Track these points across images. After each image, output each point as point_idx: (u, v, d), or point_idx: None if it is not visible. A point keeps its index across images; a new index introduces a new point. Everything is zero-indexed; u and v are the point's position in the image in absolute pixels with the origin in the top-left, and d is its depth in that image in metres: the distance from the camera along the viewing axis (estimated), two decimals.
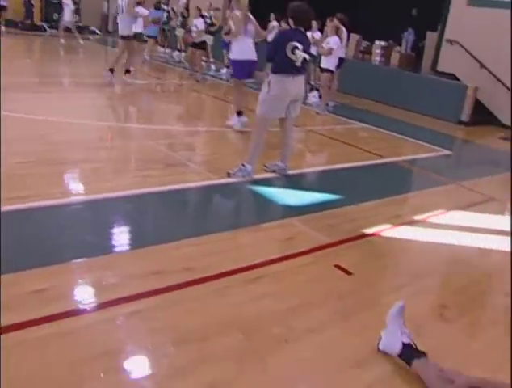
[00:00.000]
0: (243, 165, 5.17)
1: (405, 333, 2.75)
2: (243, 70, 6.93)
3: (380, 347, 2.80)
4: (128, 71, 10.16)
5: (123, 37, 9.96)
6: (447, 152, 8.21)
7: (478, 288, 3.81)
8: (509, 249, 4.50)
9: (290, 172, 5.58)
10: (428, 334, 3.07)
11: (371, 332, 2.93)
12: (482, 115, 10.94)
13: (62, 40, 16.73)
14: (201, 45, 12.30)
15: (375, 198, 5.21)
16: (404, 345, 2.70)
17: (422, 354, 2.66)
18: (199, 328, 2.82)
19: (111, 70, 9.80)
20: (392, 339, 2.75)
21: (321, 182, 6.04)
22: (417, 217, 4.90)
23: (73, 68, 12.69)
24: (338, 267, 3.67)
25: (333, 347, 2.82)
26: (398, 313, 2.81)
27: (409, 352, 2.68)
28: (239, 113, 7.19)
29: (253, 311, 3.05)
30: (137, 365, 2.54)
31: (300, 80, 5.23)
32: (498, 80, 10.70)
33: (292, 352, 2.75)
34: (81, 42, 17.30)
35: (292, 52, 5.01)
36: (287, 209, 4.72)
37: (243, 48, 6.83)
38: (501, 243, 4.61)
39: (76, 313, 2.83)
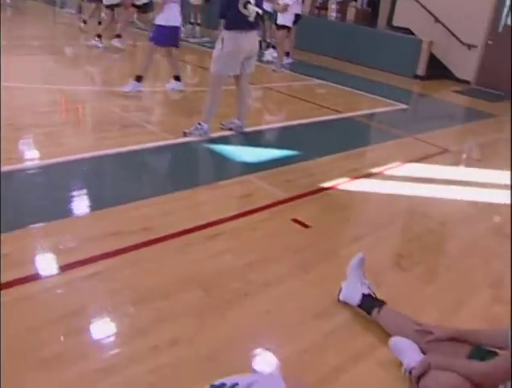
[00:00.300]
0: (199, 124, 5.12)
1: (365, 284, 2.80)
2: (166, 37, 6.62)
3: (341, 298, 2.84)
4: (118, 36, 9.85)
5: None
6: (404, 106, 8.28)
7: (432, 236, 3.90)
8: (461, 197, 4.63)
9: (247, 130, 5.56)
10: (386, 282, 3.13)
11: (331, 284, 2.97)
12: (437, 70, 11.05)
13: (8, 0, 16.07)
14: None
15: (333, 153, 5.24)
16: (364, 296, 2.75)
17: (382, 303, 2.72)
18: (158, 287, 2.82)
19: (99, 36, 9.66)
20: (353, 290, 2.80)
21: (279, 138, 6.04)
22: (373, 170, 4.96)
23: (22, 30, 12.23)
24: (296, 221, 3.70)
25: (292, 300, 2.86)
26: (358, 264, 2.85)
27: (369, 302, 2.74)
28: (176, 78, 7.02)
29: (213, 267, 3.06)
30: (98, 326, 2.53)
31: (254, 36, 5.15)
32: (452, 34, 10.78)
33: (252, 305, 2.78)
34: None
35: (245, 7, 4.91)
36: (245, 166, 4.71)
37: (169, 15, 6.53)
38: (454, 193, 4.72)
39: (35, 278, 2.79)
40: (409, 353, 2.38)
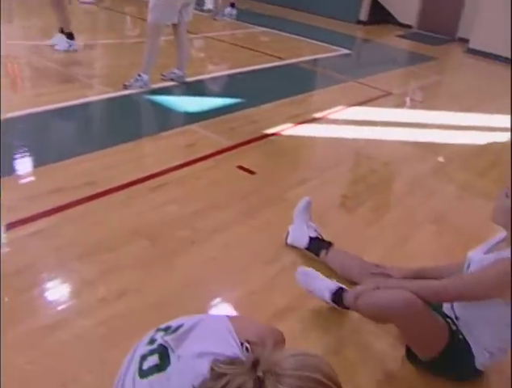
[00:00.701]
0: (139, 75, 4.99)
1: (312, 227, 2.83)
2: None
3: (288, 242, 2.88)
4: None
5: None
6: (347, 51, 8.29)
7: (376, 177, 3.97)
8: (403, 138, 4.72)
9: (188, 79, 5.45)
10: (331, 223, 3.19)
11: (277, 228, 3.01)
12: (380, 15, 11.07)
13: None
14: None
15: (276, 99, 5.22)
16: (312, 238, 2.79)
17: (329, 244, 2.76)
18: (104, 240, 2.77)
19: None
20: (300, 233, 2.83)
21: (221, 87, 5.97)
22: (317, 115, 4.98)
23: None
24: (241, 168, 3.70)
25: (239, 245, 2.88)
26: (304, 208, 2.88)
27: (317, 244, 2.78)
28: (68, 35, 6.47)
29: (158, 218, 3.04)
30: (44, 283, 2.47)
31: None
32: None
33: (199, 252, 2.79)
34: None
35: None
36: (188, 116, 4.64)
37: None
38: (397, 134, 4.80)
39: None
40: (321, 281, 2.41)
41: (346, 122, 4.93)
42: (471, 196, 3.90)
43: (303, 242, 2.81)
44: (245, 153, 4.01)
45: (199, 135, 4.24)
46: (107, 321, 2.25)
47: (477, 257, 2.09)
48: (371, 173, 4.00)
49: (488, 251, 2.09)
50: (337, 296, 2.35)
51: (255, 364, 1.31)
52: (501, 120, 5.81)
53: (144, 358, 1.55)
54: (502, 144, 5.08)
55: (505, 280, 1.91)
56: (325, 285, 2.38)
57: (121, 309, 2.34)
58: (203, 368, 1.36)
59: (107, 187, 3.25)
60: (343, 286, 2.38)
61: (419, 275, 2.38)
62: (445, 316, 2.16)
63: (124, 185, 3.31)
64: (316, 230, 2.83)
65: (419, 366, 2.19)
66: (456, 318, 2.13)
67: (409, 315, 2.04)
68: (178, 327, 1.58)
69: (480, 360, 2.07)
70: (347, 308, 2.33)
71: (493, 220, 2.02)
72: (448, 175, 4.25)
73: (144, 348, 1.59)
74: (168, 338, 1.54)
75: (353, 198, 3.55)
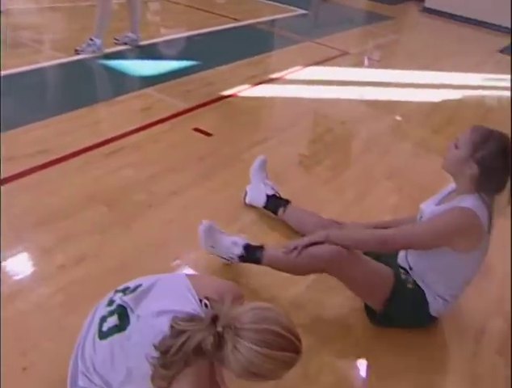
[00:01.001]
0: (91, 39, 4.85)
1: (269, 185, 2.85)
2: None
3: (247, 201, 2.89)
4: None
5: None
6: (303, 11, 8.21)
7: (333, 136, 4.00)
8: (361, 97, 4.74)
9: (142, 43, 5.32)
10: (289, 181, 3.22)
11: (235, 188, 3.02)
12: None
13: None
14: None
15: (233, 61, 5.16)
16: (269, 196, 2.80)
17: (286, 202, 2.78)
18: (60, 207, 2.73)
19: None
20: (257, 192, 2.84)
21: (176, 50, 5.82)
22: (274, 75, 4.95)
23: None
24: (197, 130, 3.68)
25: (196, 207, 2.88)
26: (260, 167, 2.88)
27: (274, 202, 2.80)
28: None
29: (115, 183, 3.00)
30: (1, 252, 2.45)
31: None
32: None
33: (156, 215, 2.78)
34: None
35: None
36: (142, 80, 4.55)
37: None
38: (354, 93, 4.82)
39: None
40: (227, 236, 2.39)
41: (304, 82, 4.92)
42: (426, 153, 3.97)
43: (260, 201, 2.82)
44: (202, 115, 3.97)
45: (154, 99, 4.17)
46: (66, 287, 2.24)
47: (429, 209, 2.14)
48: (328, 132, 4.02)
49: (439, 203, 2.14)
50: (249, 250, 2.33)
51: (214, 319, 1.33)
52: (457, 77, 5.89)
53: (103, 320, 1.55)
54: (458, 101, 5.16)
55: (452, 229, 1.97)
56: (233, 240, 2.36)
57: (80, 275, 2.33)
58: (163, 326, 1.37)
59: (62, 154, 3.19)
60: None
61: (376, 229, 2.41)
62: (398, 266, 2.22)
63: (79, 151, 3.26)
64: (273, 188, 2.84)
65: (377, 318, 2.25)
66: (410, 268, 2.19)
67: (336, 264, 2.10)
68: (136, 287, 1.58)
69: (434, 306, 2.15)
70: (258, 263, 2.31)
71: (443, 167, 2.08)
72: (405, 133, 4.31)
73: (103, 310, 1.59)
74: (126, 298, 1.54)
75: (310, 157, 3.57)
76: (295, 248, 2.17)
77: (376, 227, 2.38)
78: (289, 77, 4.99)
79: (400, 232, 2.12)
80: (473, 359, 2.19)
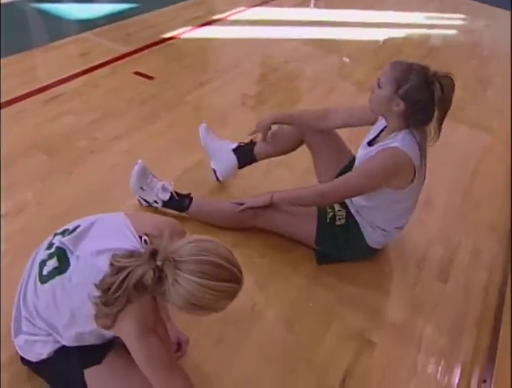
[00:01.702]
0: None
1: (224, 141, 2.66)
2: None
3: (220, 178, 2.64)
4: None
5: None
6: None
7: (277, 75, 3.96)
8: (304, 36, 4.70)
9: None
10: (234, 121, 3.21)
11: (179, 131, 3.00)
12: None
13: None
14: None
15: (174, 2, 4.99)
16: (235, 151, 2.59)
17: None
18: None
19: None
20: (222, 158, 2.61)
21: None
22: (217, 17, 4.84)
23: None
24: (138, 74, 3.59)
25: (140, 151, 2.81)
26: (207, 132, 2.64)
27: (244, 155, 2.60)
28: None
29: (55, 130, 2.92)
30: None
31: None
32: None
33: (99, 161, 2.73)
34: None
35: None
36: (80, 24, 4.37)
37: None
38: (298, 33, 4.76)
39: None
40: (154, 179, 2.39)
41: (247, 23, 4.82)
42: (367, 90, 3.97)
43: (232, 166, 2.58)
44: (143, 59, 3.87)
45: (93, 43, 4.03)
46: (9, 238, 2.19)
47: (362, 151, 2.16)
48: (272, 72, 3.99)
49: (371, 142, 2.15)
50: (178, 197, 2.36)
51: (154, 254, 1.32)
52: (401, 16, 5.88)
53: (43, 263, 1.53)
54: (402, 39, 5.17)
55: (385, 172, 2.00)
56: (162, 185, 2.36)
57: (22, 224, 2.28)
58: (103, 265, 1.36)
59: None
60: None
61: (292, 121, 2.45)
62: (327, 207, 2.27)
63: (15, 99, 3.15)
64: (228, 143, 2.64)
65: (316, 258, 2.30)
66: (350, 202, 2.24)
67: (259, 221, 2.27)
68: (75, 229, 1.56)
69: (373, 237, 2.20)
70: (183, 210, 2.36)
71: (370, 108, 2.06)
72: (349, 71, 4.30)
73: (42, 254, 1.57)
74: (65, 240, 1.52)
75: (254, 97, 3.55)
76: (241, 204, 2.27)
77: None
78: (233, 18, 4.89)
79: (337, 183, 2.15)
80: (415, 286, 2.28)
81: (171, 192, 2.35)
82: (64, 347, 1.53)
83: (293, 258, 2.30)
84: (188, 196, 2.37)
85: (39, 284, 1.52)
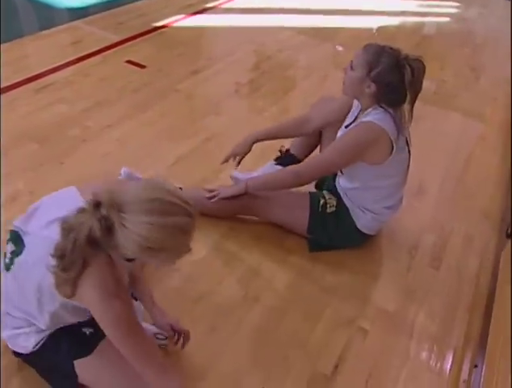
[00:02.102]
0: None
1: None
2: None
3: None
4: None
5: None
6: None
7: (268, 64, 3.94)
8: (298, 25, 4.68)
9: None
10: (226, 110, 3.20)
11: (171, 119, 2.99)
12: None
13: None
14: None
15: None
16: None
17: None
18: None
19: None
20: None
21: None
22: (210, 5, 4.81)
23: None
24: (130, 62, 3.57)
25: (132, 139, 2.83)
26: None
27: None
28: None
29: (46, 119, 2.90)
30: None
31: None
32: None
33: (91, 150, 2.72)
34: None
35: None
36: (70, 13, 4.35)
37: None
38: (291, 21, 4.74)
39: None
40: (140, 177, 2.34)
41: (240, 11, 4.80)
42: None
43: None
44: (135, 47, 3.84)
45: (84, 31, 4.00)
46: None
47: (339, 134, 2.18)
48: (265, 60, 3.97)
49: (348, 125, 2.16)
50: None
51: (97, 205, 1.25)
52: (394, 4, 5.86)
53: (5, 254, 1.51)
54: (396, 27, 5.15)
55: (357, 143, 2.02)
56: None
57: (14, 213, 2.23)
58: (55, 234, 1.31)
59: None
60: None
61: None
62: (317, 194, 2.29)
63: (5, 89, 3.12)
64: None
65: (309, 246, 2.30)
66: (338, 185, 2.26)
67: (247, 209, 2.27)
68: (35, 209, 1.52)
69: (363, 221, 2.21)
70: None
71: (343, 92, 2.09)
72: (343, 59, 4.26)
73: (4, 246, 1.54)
74: (17, 222, 1.49)
75: (247, 85, 3.53)
76: (215, 196, 2.24)
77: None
78: (226, 6, 4.86)
79: (311, 161, 2.19)
80: (407, 273, 2.29)
81: None
82: (52, 338, 1.52)
83: (285, 247, 2.30)
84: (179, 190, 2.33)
85: (4, 272, 1.50)
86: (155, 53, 3.80)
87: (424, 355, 1.94)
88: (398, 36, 4.86)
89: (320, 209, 2.20)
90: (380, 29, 5.00)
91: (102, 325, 1.35)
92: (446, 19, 5.68)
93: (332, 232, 2.22)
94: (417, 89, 1.94)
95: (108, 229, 1.24)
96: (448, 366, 1.91)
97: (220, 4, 4.87)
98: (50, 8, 4.42)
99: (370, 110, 2.01)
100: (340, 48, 4.48)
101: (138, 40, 3.96)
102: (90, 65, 3.52)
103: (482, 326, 2.06)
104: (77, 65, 3.51)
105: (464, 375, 1.88)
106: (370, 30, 4.94)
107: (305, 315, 2.02)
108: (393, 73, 1.91)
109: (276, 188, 2.23)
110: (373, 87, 1.95)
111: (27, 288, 1.43)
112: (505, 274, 2.11)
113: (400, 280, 2.25)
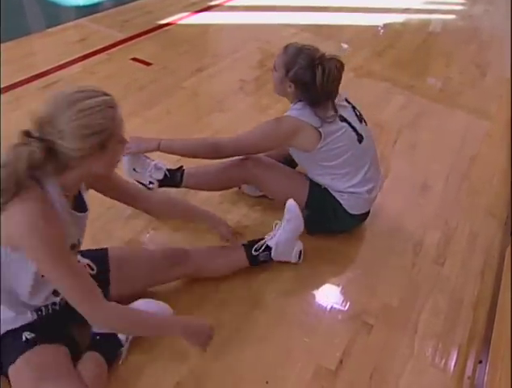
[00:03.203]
0: None
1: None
2: None
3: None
4: None
5: None
6: None
7: (273, 61, 3.90)
8: (302, 22, 4.67)
9: None
10: (231, 108, 3.21)
11: (175, 116, 2.98)
12: None
13: None
14: None
15: None
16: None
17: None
18: None
19: None
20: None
21: None
22: (214, 2, 4.81)
23: None
24: (136, 60, 3.59)
25: (137, 135, 2.81)
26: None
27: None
28: None
29: None
30: None
31: None
32: None
33: None
34: None
35: None
36: (76, 10, 4.36)
37: None
38: (295, 19, 4.74)
39: None
40: (146, 159, 2.35)
41: (244, 8, 4.80)
42: (368, 75, 3.97)
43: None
44: (140, 45, 3.85)
45: (89, 29, 4.01)
46: None
47: None
48: (270, 57, 3.93)
49: None
50: (170, 173, 2.32)
51: (27, 134, 1.31)
52: (400, 1, 5.84)
53: None
54: (401, 24, 5.14)
55: (273, 132, 2.14)
56: (156, 164, 2.31)
57: None
58: None
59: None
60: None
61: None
62: None
63: (10, 86, 3.14)
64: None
65: (306, 224, 2.25)
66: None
67: (251, 175, 2.27)
68: None
69: (342, 201, 2.22)
70: (178, 186, 2.33)
71: (274, 91, 2.18)
72: (347, 56, 4.27)
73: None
74: None
75: (252, 82, 3.53)
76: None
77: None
78: (230, 3, 4.86)
79: (233, 139, 2.23)
80: (412, 269, 2.29)
81: (165, 170, 2.32)
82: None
83: None
84: (179, 170, 2.33)
85: None
86: (160, 51, 3.81)
87: (428, 350, 1.94)
88: (404, 34, 4.85)
89: (317, 185, 2.24)
90: (386, 26, 5.00)
91: (30, 254, 1.31)
92: (452, 16, 5.67)
93: (328, 212, 2.23)
94: (330, 88, 2.05)
95: (47, 149, 1.28)
96: (452, 362, 1.91)
97: (225, 2, 4.88)
98: (56, 6, 4.43)
99: (292, 105, 2.14)
100: (345, 46, 4.47)
101: (143, 37, 3.96)
102: (96, 63, 3.53)
103: (487, 323, 2.06)
104: (83, 62, 3.52)
105: (469, 371, 1.88)
106: (374, 27, 4.93)
107: (309, 309, 2.03)
108: (307, 72, 2.02)
109: (190, 155, 2.22)
110: (293, 87, 2.07)
111: None
112: (510, 271, 2.11)
113: (405, 276, 2.25)
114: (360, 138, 2.18)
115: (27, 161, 1.27)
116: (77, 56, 3.58)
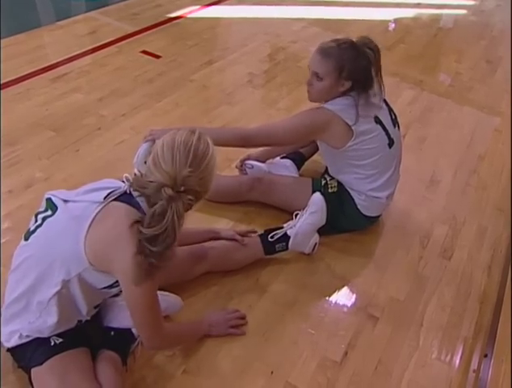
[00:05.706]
0: None
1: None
2: None
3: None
4: None
5: None
6: None
7: (282, 55, 3.95)
8: (311, 16, 4.66)
9: None
10: (240, 100, 3.22)
11: (184, 108, 3.00)
12: None
13: None
14: None
15: None
16: None
17: None
18: (4, 135, 2.65)
19: None
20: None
21: None
22: None
23: None
24: (145, 52, 3.60)
25: (146, 128, 2.73)
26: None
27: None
28: None
29: (62, 108, 2.93)
30: None
31: None
32: None
33: (106, 138, 2.75)
34: None
35: None
36: (86, 4, 4.38)
37: None
38: (303, 12, 4.73)
39: None
40: None
41: (254, 2, 4.79)
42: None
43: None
44: (150, 37, 3.86)
45: (100, 22, 4.02)
46: (14, 212, 2.21)
47: None
48: (279, 51, 3.97)
49: None
50: None
51: (162, 186, 1.31)
52: None
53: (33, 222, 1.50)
54: (411, 19, 5.12)
55: (307, 123, 2.12)
56: None
57: (29, 199, 2.29)
58: (96, 197, 1.39)
59: (3, 81, 3.08)
60: None
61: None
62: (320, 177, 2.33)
63: (21, 78, 3.16)
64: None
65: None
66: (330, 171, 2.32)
67: (254, 192, 2.33)
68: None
69: (362, 203, 2.22)
70: None
71: (311, 100, 2.16)
72: None
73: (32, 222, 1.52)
74: (53, 192, 1.52)
75: (261, 75, 3.53)
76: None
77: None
78: None
79: (262, 128, 2.23)
80: (419, 262, 2.29)
81: None
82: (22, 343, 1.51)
83: None
84: None
85: (23, 242, 1.49)
86: (170, 44, 3.81)
87: (434, 344, 1.94)
88: (414, 29, 4.83)
89: (322, 189, 2.22)
90: (396, 21, 4.98)
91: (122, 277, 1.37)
92: (464, 11, 5.64)
93: (335, 212, 2.21)
94: (379, 62, 2.05)
95: (189, 204, 1.36)
96: (458, 356, 1.91)
97: None
98: None
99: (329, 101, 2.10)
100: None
101: (153, 30, 3.97)
102: (106, 55, 3.54)
103: (493, 317, 2.06)
104: (93, 55, 3.54)
105: (474, 365, 1.89)
106: (384, 22, 4.91)
107: (315, 301, 2.04)
108: (360, 60, 2.00)
109: (220, 144, 2.19)
110: (347, 84, 2.04)
111: (47, 252, 1.42)
112: None
113: (412, 269, 2.26)
114: (391, 143, 2.17)
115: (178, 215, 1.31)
116: (87, 48, 3.60)
